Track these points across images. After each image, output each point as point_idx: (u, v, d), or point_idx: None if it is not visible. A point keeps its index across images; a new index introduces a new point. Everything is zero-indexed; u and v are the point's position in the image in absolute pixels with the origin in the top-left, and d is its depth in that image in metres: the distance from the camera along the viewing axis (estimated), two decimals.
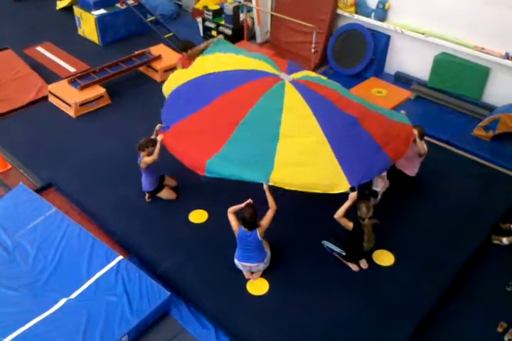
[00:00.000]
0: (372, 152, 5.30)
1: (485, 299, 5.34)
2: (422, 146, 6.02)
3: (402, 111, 6.34)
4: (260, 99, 5.42)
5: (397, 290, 5.29)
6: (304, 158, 5.09)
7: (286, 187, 5.00)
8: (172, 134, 5.52)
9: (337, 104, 5.53)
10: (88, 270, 5.39)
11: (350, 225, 5.15)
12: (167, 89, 6.12)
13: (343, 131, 5.32)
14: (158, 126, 5.86)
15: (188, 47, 6.92)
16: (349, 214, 5.17)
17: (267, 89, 5.50)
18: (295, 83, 5.63)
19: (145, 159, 5.83)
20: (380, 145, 5.39)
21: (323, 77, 6.26)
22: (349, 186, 5.00)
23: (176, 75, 6.25)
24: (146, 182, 6.16)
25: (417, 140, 5.91)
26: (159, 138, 5.64)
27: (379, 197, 5.88)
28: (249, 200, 5.13)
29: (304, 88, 5.57)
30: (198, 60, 6.40)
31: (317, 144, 5.17)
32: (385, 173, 5.73)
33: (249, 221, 5.01)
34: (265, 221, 5.10)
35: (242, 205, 5.13)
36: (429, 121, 7.91)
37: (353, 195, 5.02)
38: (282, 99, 5.41)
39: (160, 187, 6.23)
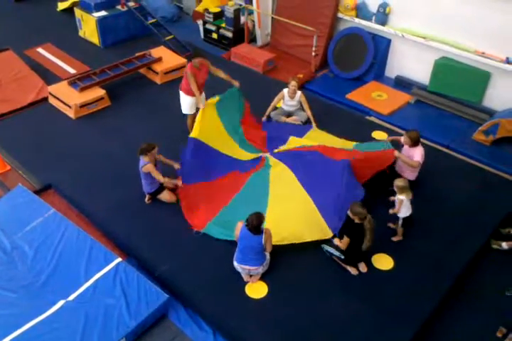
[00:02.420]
0: (348, 190, 5.94)
1: (484, 304, 5.33)
2: (408, 161, 6.14)
3: (387, 139, 6.80)
4: (251, 176, 6.53)
5: (397, 294, 5.27)
6: (290, 216, 5.83)
7: (277, 243, 5.50)
8: (186, 192, 6.29)
9: (313, 149, 6.53)
10: (86, 272, 5.37)
11: (347, 240, 5.23)
12: (195, 131, 6.63)
13: (321, 180, 6.14)
14: (177, 166, 6.33)
15: (197, 55, 6.91)
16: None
17: (254, 171, 6.61)
18: (276, 155, 6.77)
19: (148, 166, 5.90)
20: (355, 178, 6.16)
21: (306, 142, 6.87)
22: (331, 235, 5.58)
23: (200, 120, 6.70)
24: (146, 184, 6.15)
25: (402, 157, 6.18)
26: (179, 183, 6.20)
27: (400, 222, 5.75)
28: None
29: (283, 154, 6.72)
30: (211, 105, 6.84)
31: (300, 200, 6.03)
32: (408, 202, 5.61)
33: (255, 225, 5.05)
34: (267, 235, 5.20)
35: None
36: (429, 125, 7.94)
37: (340, 242, 5.34)
38: (268, 172, 6.52)
39: (160, 188, 6.22)
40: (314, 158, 6.42)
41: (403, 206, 5.56)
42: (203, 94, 7.14)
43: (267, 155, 6.81)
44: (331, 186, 6.00)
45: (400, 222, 5.73)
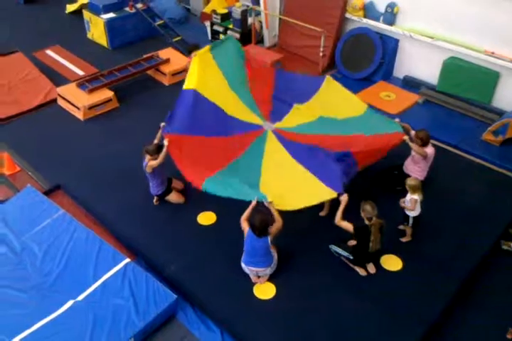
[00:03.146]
0: (344, 161, 5.77)
1: (494, 305, 5.29)
2: (417, 149, 5.95)
3: (397, 119, 6.33)
4: (248, 147, 6.23)
5: (405, 295, 5.25)
6: (286, 185, 5.63)
7: (280, 209, 5.32)
8: (176, 143, 5.79)
9: (313, 144, 6.10)
10: (95, 272, 5.40)
11: (350, 227, 5.14)
12: (188, 82, 6.26)
13: (314, 157, 5.91)
14: (162, 125, 5.95)
15: (195, 47, 6.95)
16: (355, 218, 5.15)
17: (252, 140, 6.32)
18: (276, 133, 6.43)
19: (151, 163, 5.84)
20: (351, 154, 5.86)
21: (315, 117, 6.54)
22: (335, 194, 5.32)
23: (193, 70, 6.33)
24: (153, 186, 6.16)
25: (410, 144, 5.90)
26: (165, 142, 5.69)
27: (411, 221, 5.71)
28: (254, 202, 5.20)
29: (283, 138, 6.35)
30: (204, 55, 6.46)
31: (293, 170, 5.84)
32: (419, 202, 5.56)
33: (258, 228, 5.03)
34: (271, 233, 5.15)
35: (250, 209, 5.19)
36: (438, 125, 7.89)
37: (344, 198, 5.18)
38: (264, 145, 6.26)
39: (168, 190, 6.23)
40: (312, 150, 6.10)
41: (417, 205, 5.54)
42: None
43: (268, 129, 6.47)
44: (326, 159, 5.81)
45: (411, 221, 5.70)
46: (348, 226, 5.15)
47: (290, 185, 5.63)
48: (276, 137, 6.38)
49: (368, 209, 5.05)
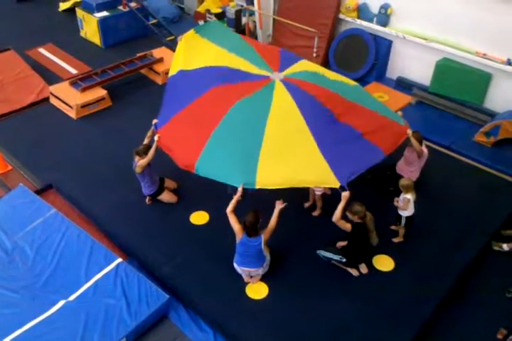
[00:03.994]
0: (360, 147, 5.33)
1: (485, 305, 5.33)
2: (417, 146, 5.93)
3: (399, 113, 6.29)
4: (246, 96, 5.45)
5: (397, 295, 5.27)
6: (290, 157, 5.12)
7: (274, 187, 5.02)
8: (165, 133, 5.58)
9: (326, 104, 5.51)
10: (87, 272, 5.37)
11: (348, 226, 5.11)
12: (172, 68, 6.07)
13: (331, 130, 5.35)
14: (154, 121, 5.84)
15: None
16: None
17: (253, 91, 5.52)
18: (285, 82, 5.65)
19: (140, 162, 5.82)
20: (369, 140, 5.42)
21: (319, 69, 6.18)
22: (338, 184, 5.00)
23: (179, 54, 6.16)
24: (144, 186, 6.15)
25: (412, 140, 5.84)
26: (156, 138, 5.61)
27: (403, 221, 5.72)
28: (240, 190, 5.01)
29: (293, 87, 5.58)
30: (191, 37, 6.26)
31: (304, 143, 5.20)
32: (412, 202, 5.55)
33: (251, 226, 5.01)
34: (266, 234, 5.11)
35: (235, 199, 5.07)
36: (430, 126, 7.93)
37: (345, 195, 4.97)
38: (271, 97, 5.46)
39: (160, 189, 6.22)
40: (318, 106, 5.52)
41: (410, 206, 5.57)
42: None
43: (276, 79, 5.69)
44: (341, 139, 5.30)
45: (403, 221, 5.72)
46: (346, 225, 5.08)
47: (293, 160, 5.12)
48: (284, 86, 5.59)
49: (359, 210, 5.04)
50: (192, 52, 6.08)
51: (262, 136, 5.19)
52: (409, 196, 5.50)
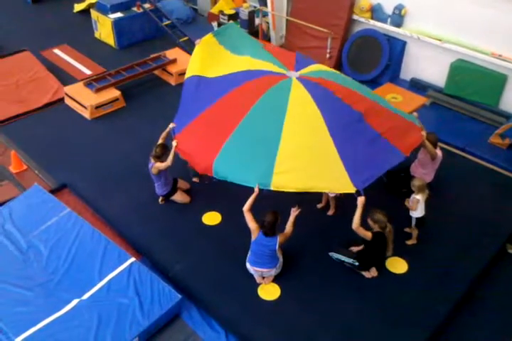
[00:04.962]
0: (378, 150, 5.24)
1: (499, 309, 5.27)
2: (431, 149, 5.89)
3: (414, 113, 6.23)
4: (263, 95, 5.37)
5: (410, 298, 5.23)
6: (307, 160, 5.06)
7: (289, 190, 4.98)
8: (183, 139, 5.58)
9: (345, 100, 5.43)
10: (100, 271, 5.41)
11: (368, 234, 5.04)
12: (189, 71, 5.99)
13: (350, 129, 5.26)
14: (171, 125, 5.81)
15: None
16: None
17: (270, 86, 5.44)
18: (302, 79, 5.55)
19: (157, 164, 5.84)
20: (388, 141, 5.32)
21: (335, 71, 6.19)
22: (354, 189, 4.93)
23: (196, 58, 6.08)
24: (158, 187, 6.18)
25: (426, 142, 5.77)
26: (173, 143, 5.63)
27: (413, 222, 5.69)
28: (256, 190, 5.01)
29: (310, 84, 5.49)
30: (209, 41, 6.18)
31: (322, 144, 5.13)
32: (423, 203, 5.52)
33: (270, 226, 5.01)
34: (281, 237, 5.12)
35: (252, 198, 5.07)
36: (445, 128, 7.87)
37: (361, 200, 4.91)
38: (288, 95, 5.35)
39: (173, 190, 6.24)
40: (337, 102, 5.45)
41: (418, 206, 5.53)
42: None
43: (292, 76, 5.59)
44: (360, 140, 5.20)
45: (414, 222, 5.69)
46: (366, 233, 5.03)
47: (309, 163, 5.04)
48: (301, 83, 5.49)
49: (381, 219, 5.00)
50: (209, 59, 6.03)
51: (280, 137, 5.11)
52: (419, 197, 5.46)
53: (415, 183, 5.47)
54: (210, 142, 5.32)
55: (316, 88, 5.45)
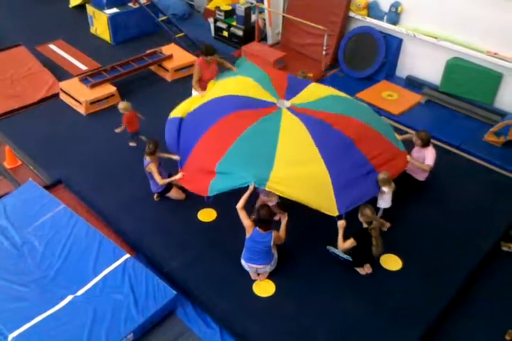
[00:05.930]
0: (366, 177, 5.54)
1: (493, 306, 5.30)
2: (421, 165, 6.11)
3: (408, 134, 6.46)
4: (255, 123, 5.67)
5: (405, 295, 5.26)
6: (301, 174, 5.28)
7: (280, 195, 5.22)
8: (186, 170, 5.83)
9: (335, 126, 5.73)
10: (95, 267, 5.40)
11: (353, 242, 5.16)
12: (176, 112, 6.27)
13: (340, 153, 5.54)
14: (176, 157, 5.99)
15: (211, 52, 6.71)
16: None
17: (261, 116, 5.76)
18: (292, 110, 5.92)
19: (152, 167, 5.88)
20: (373, 167, 5.65)
21: (326, 90, 6.44)
22: (337, 213, 5.23)
23: (188, 102, 6.39)
24: (153, 184, 6.17)
25: (415, 162, 6.07)
26: (179, 176, 5.79)
27: (380, 213, 5.79)
28: (251, 187, 5.12)
29: (299, 114, 5.84)
30: (211, 84, 6.56)
31: (314, 165, 5.38)
32: (390, 194, 5.69)
33: (265, 220, 5.00)
34: (276, 239, 5.14)
35: (246, 195, 5.16)
36: (440, 125, 7.89)
37: (341, 224, 5.18)
38: (279, 120, 5.70)
39: (168, 187, 6.23)
40: (328, 129, 5.74)
41: (384, 197, 5.68)
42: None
43: (282, 107, 5.96)
44: (350, 165, 5.49)
45: (380, 213, 5.79)
46: (351, 244, 5.15)
47: (303, 176, 5.27)
48: (291, 113, 5.86)
49: (368, 214, 5.06)
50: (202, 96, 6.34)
51: (275, 153, 5.36)
52: (385, 188, 5.57)
53: (379, 176, 5.55)
54: (204, 164, 5.53)
55: (305, 117, 5.79)
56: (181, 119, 6.11)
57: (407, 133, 7.17)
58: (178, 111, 6.24)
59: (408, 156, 6.07)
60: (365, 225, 5.14)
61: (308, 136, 5.53)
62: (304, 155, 5.43)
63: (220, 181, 5.33)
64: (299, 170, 5.29)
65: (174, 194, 6.30)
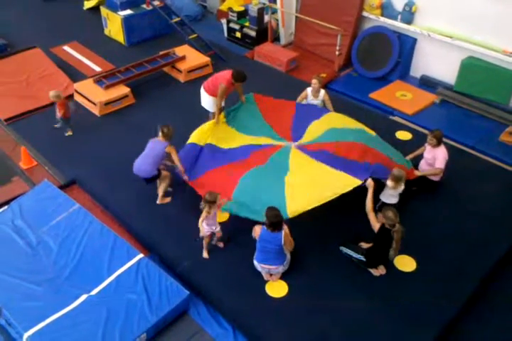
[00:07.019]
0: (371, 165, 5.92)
1: (509, 308, 5.22)
2: (432, 172, 6.18)
3: (418, 150, 6.56)
4: (270, 157, 6.24)
5: (419, 296, 5.21)
6: (309, 183, 5.70)
7: (305, 210, 5.44)
8: (200, 181, 6.18)
9: (340, 154, 6.11)
10: (109, 267, 5.44)
11: (376, 225, 5.08)
12: (194, 138, 6.57)
13: (346, 165, 5.95)
14: (184, 176, 6.13)
15: (242, 79, 6.81)
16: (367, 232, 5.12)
17: (273, 152, 6.35)
18: (300, 147, 6.41)
19: (173, 151, 5.97)
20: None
21: (336, 122, 6.73)
22: (359, 182, 5.51)
23: (205, 131, 6.70)
24: (152, 163, 6.06)
25: (425, 173, 6.23)
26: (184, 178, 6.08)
27: (379, 204, 5.77)
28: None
29: (306, 150, 6.33)
30: (222, 121, 6.89)
31: (319, 170, 5.90)
32: (393, 191, 5.73)
33: (273, 221, 4.98)
34: (286, 244, 5.14)
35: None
36: (455, 125, 7.82)
37: (370, 182, 5.34)
38: (288, 153, 6.29)
39: (159, 173, 6.19)
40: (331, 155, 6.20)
41: (385, 191, 5.75)
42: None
43: (291, 145, 6.49)
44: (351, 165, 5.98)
45: (379, 204, 5.78)
46: (375, 222, 5.11)
47: (314, 180, 5.73)
48: (299, 150, 6.38)
49: (391, 217, 4.97)
50: (218, 133, 6.73)
51: (285, 175, 5.89)
52: (389, 183, 5.61)
53: (393, 172, 5.58)
54: (224, 186, 5.91)
55: (313, 152, 6.25)
56: (201, 148, 6.48)
57: (420, 133, 7.10)
58: (196, 138, 6.54)
59: (416, 172, 6.23)
60: (386, 226, 5.05)
61: (313, 161, 6.08)
62: (310, 167, 5.96)
63: (235, 206, 5.69)
64: (307, 181, 5.72)
65: (162, 192, 6.27)
